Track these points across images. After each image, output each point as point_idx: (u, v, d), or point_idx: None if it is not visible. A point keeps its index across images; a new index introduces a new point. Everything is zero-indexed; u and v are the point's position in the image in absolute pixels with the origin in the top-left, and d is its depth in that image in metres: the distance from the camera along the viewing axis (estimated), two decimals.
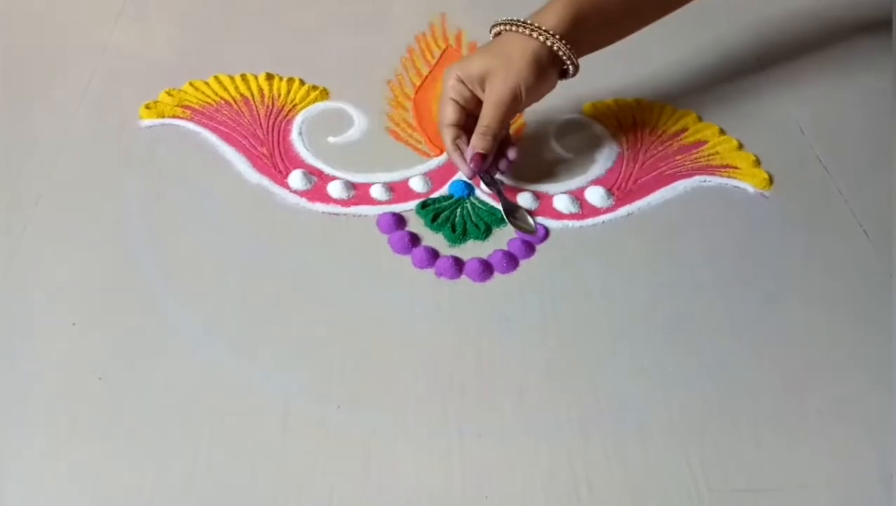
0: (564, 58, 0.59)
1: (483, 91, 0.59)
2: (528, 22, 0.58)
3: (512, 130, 0.69)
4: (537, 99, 0.62)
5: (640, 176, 0.67)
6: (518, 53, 0.57)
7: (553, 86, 0.62)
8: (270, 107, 0.71)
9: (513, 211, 0.61)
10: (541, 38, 0.57)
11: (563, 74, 0.62)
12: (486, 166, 0.61)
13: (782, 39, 0.84)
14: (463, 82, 0.59)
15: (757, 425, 0.50)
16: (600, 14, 0.60)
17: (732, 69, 0.79)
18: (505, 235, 0.61)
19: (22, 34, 0.76)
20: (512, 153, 0.62)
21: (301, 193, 0.63)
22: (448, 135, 0.61)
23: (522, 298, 0.57)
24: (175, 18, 0.81)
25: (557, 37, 0.58)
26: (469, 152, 0.59)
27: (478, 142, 0.59)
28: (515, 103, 0.58)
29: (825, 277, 0.60)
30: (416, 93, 0.74)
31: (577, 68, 0.61)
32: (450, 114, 0.60)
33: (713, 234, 0.63)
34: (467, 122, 0.62)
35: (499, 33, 0.60)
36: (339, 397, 0.50)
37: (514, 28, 0.58)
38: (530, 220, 0.61)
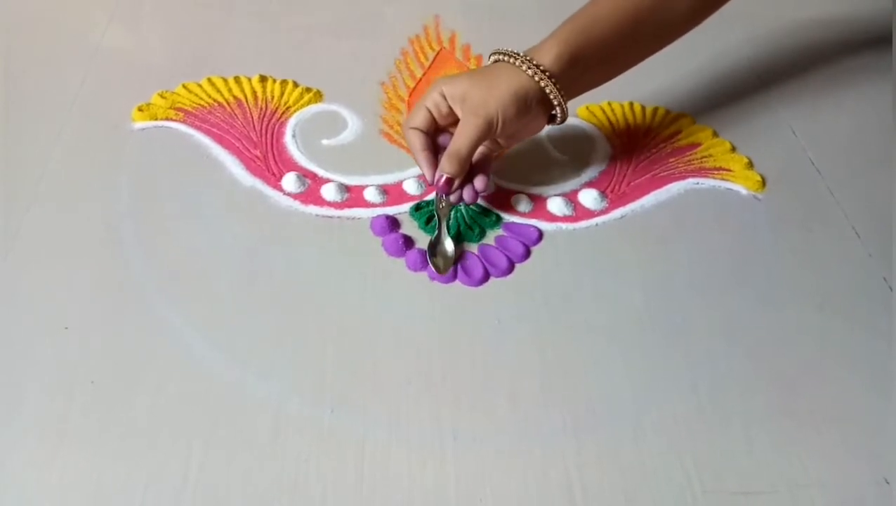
0: (552, 98, 0.57)
1: (462, 111, 0.58)
2: (523, 55, 0.57)
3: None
4: (519, 136, 0.61)
5: (633, 178, 0.67)
6: (504, 83, 0.56)
7: (539, 128, 0.61)
8: (264, 109, 0.71)
9: (436, 246, 0.59)
10: (529, 71, 0.56)
11: (552, 119, 0.60)
12: (453, 191, 0.59)
13: (776, 43, 0.84)
14: (444, 97, 0.58)
15: (750, 426, 0.51)
16: (598, 53, 0.58)
17: (726, 72, 0.80)
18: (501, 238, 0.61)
19: (13, 37, 0.76)
20: (479, 183, 0.60)
21: (295, 196, 0.63)
22: (415, 138, 0.59)
23: (516, 301, 0.57)
24: (167, 20, 0.81)
25: (547, 74, 0.56)
26: (437, 174, 0.58)
27: (445, 165, 0.57)
28: (489, 131, 0.56)
29: (817, 278, 0.60)
30: (410, 95, 0.74)
31: (565, 115, 0.59)
32: (419, 118, 0.59)
33: (706, 236, 0.63)
34: (434, 134, 0.60)
35: (495, 62, 0.59)
36: (332, 400, 0.50)
37: (508, 59, 0.57)
38: (450, 262, 0.58)
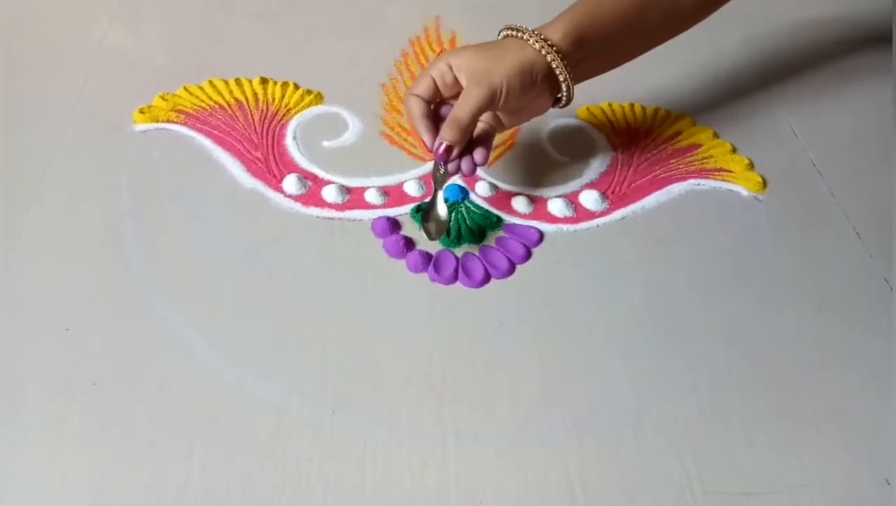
0: (559, 73, 0.57)
1: (466, 80, 0.57)
2: (531, 30, 0.57)
3: (505, 135, 0.69)
4: (522, 115, 0.61)
5: (634, 179, 0.67)
6: (510, 55, 0.56)
7: (543, 107, 0.60)
8: (265, 111, 0.71)
9: (428, 212, 0.59)
10: (536, 45, 0.56)
11: (557, 102, 0.60)
12: (452, 159, 0.58)
13: (776, 43, 0.84)
14: (451, 67, 0.57)
15: (750, 426, 0.51)
16: (603, 37, 0.58)
17: (726, 73, 0.80)
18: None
19: (15, 38, 0.76)
20: (479, 155, 0.59)
21: (296, 198, 0.63)
22: (416, 104, 0.58)
23: (517, 302, 0.57)
24: (169, 22, 0.81)
25: (555, 49, 0.56)
26: (437, 141, 0.57)
27: (446, 132, 0.56)
28: (492, 101, 0.56)
29: (818, 279, 0.60)
30: None
31: (570, 95, 0.59)
32: (422, 86, 0.58)
33: (707, 237, 0.63)
34: (437, 105, 0.60)
35: (504, 37, 0.59)
36: (333, 401, 0.50)
37: (517, 33, 0.57)
38: (442, 227, 0.59)
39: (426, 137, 0.58)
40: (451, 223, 0.62)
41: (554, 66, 0.56)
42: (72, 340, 0.51)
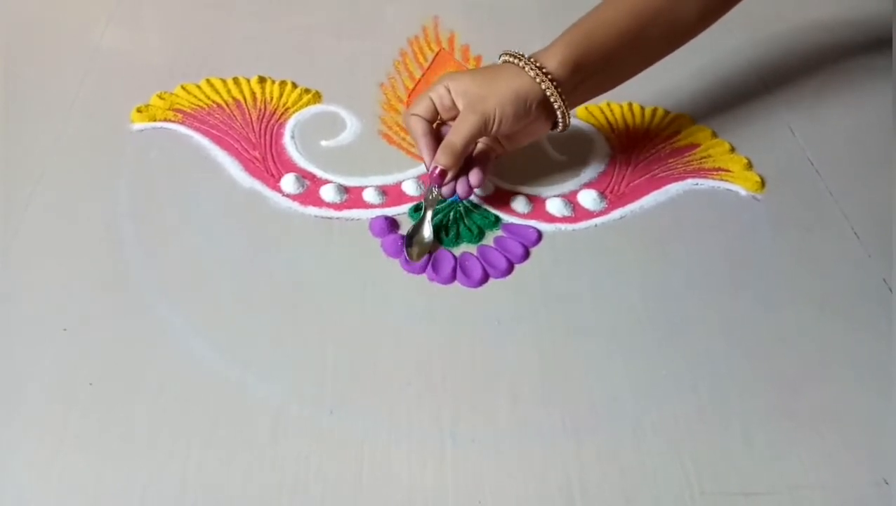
0: (553, 100, 0.57)
1: (461, 106, 0.58)
2: (528, 57, 0.57)
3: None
4: (520, 139, 0.61)
5: (632, 179, 0.67)
6: (505, 83, 0.56)
7: (541, 131, 0.61)
8: (263, 110, 0.70)
9: (413, 237, 0.59)
10: (531, 73, 0.56)
11: (554, 126, 0.60)
12: (447, 182, 0.59)
13: (776, 45, 0.84)
14: (449, 91, 0.58)
15: (750, 427, 0.51)
16: (601, 57, 0.58)
17: (725, 73, 0.80)
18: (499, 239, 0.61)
19: (13, 37, 0.76)
20: (474, 177, 0.59)
21: (293, 197, 0.63)
22: (417, 123, 0.59)
23: (515, 302, 0.57)
24: (166, 21, 0.81)
25: (550, 77, 0.56)
26: (432, 165, 0.58)
27: (440, 156, 0.57)
28: (484, 128, 0.56)
29: (817, 279, 0.60)
30: (409, 96, 0.74)
31: (567, 121, 0.59)
32: (421, 106, 0.59)
33: (705, 236, 0.63)
34: (438, 126, 0.61)
35: (504, 62, 0.59)
36: (331, 401, 0.50)
37: (514, 60, 0.57)
38: (425, 250, 0.59)
39: (426, 157, 0.59)
40: (450, 222, 0.61)
41: (549, 94, 0.57)
42: (70, 341, 0.51)
